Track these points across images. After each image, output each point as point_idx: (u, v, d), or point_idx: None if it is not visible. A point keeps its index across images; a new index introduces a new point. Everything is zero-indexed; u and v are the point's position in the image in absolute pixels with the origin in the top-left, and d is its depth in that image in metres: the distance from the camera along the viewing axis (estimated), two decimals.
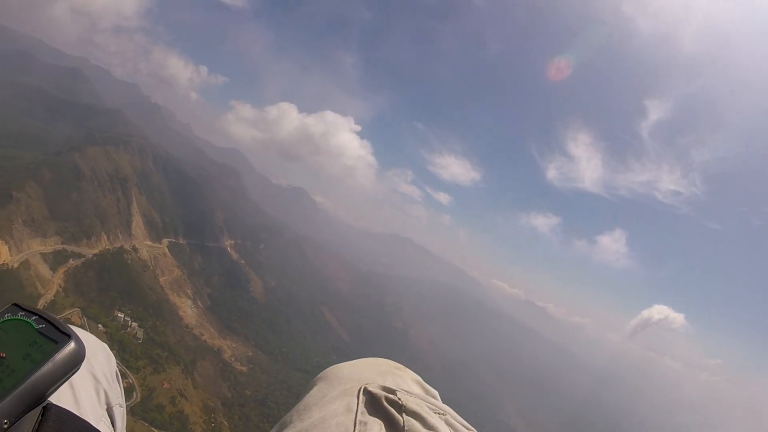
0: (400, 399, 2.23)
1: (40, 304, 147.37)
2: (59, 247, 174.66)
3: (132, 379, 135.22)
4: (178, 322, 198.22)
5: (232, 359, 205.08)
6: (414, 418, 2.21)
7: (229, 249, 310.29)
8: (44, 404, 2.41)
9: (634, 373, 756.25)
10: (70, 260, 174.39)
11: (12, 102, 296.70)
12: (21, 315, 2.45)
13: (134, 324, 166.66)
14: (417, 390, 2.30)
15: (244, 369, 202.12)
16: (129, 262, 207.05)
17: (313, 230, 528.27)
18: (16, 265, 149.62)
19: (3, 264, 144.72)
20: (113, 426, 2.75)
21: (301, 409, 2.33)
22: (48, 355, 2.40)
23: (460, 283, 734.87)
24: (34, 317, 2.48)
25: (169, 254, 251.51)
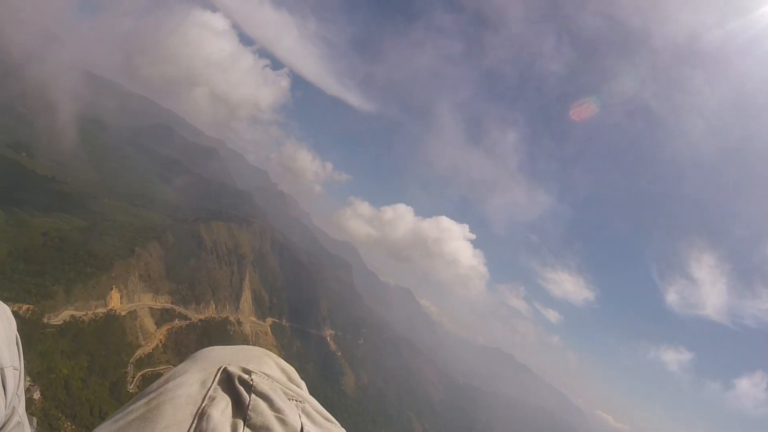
0: (252, 380, 2.22)
1: (138, 355, 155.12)
2: (168, 305, 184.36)
3: None
4: None
5: None
6: (262, 399, 2.25)
7: (328, 339, 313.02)
8: None
9: None
10: (176, 320, 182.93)
11: (151, 168, 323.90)
12: None
13: None
14: (279, 376, 2.29)
15: None
16: (231, 333, 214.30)
17: (414, 333, 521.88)
18: (123, 313, 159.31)
19: (111, 309, 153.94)
20: (3, 387, 2.62)
21: (161, 381, 2.32)
22: None
23: (560, 410, 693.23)
24: None
25: (270, 333, 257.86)
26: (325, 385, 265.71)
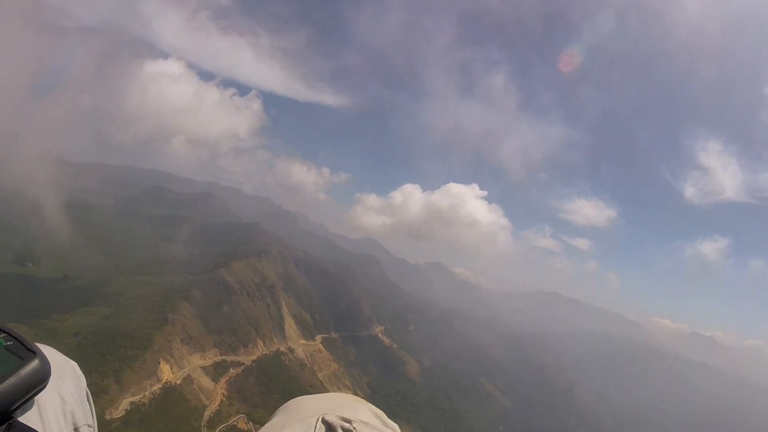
0: (354, 428, 2.21)
1: (207, 416, 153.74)
2: (218, 358, 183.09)
3: None
4: None
5: None
6: None
7: (380, 335, 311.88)
8: (9, 421, 2.33)
9: None
10: (231, 369, 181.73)
11: (155, 232, 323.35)
12: None
13: None
14: (374, 421, 2.27)
15: None
16: (287, 363, 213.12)
17: (457, 302, 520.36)
18: (179, 382, 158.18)
19: (166, 382, 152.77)
20: None
21: None
22: (12, 371, 2.32)
23: (618, 330, 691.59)
24: (2, 334, 2.43)
25: (324, 350, 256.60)
26: (391, 380, 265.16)
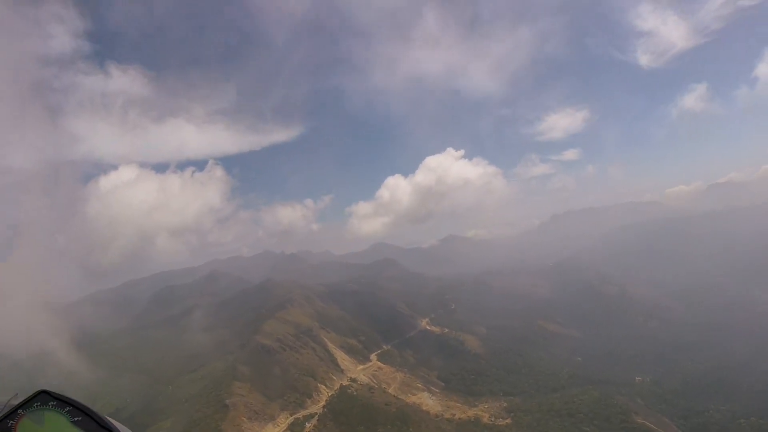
0: None
1: None
2: (290, 419, 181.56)
3: None
4: (426, 417, 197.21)
5: (493, 419, 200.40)
6: None
7: (428, 327, 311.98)
8: None
9: None
10: (306, 424, 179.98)
11: (179, 331, 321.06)
12: (52, 405, 2.28)
13: None
14: None
15: (509, 421, 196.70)
16: (355, 393, 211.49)
17: (484, 263, 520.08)
18: None
19: None
20: None
21: None
22: None
23: (640, 217, 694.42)
24: (67, 408, 2.30)
25: (383, 365, 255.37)
26: (458, 363, 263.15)
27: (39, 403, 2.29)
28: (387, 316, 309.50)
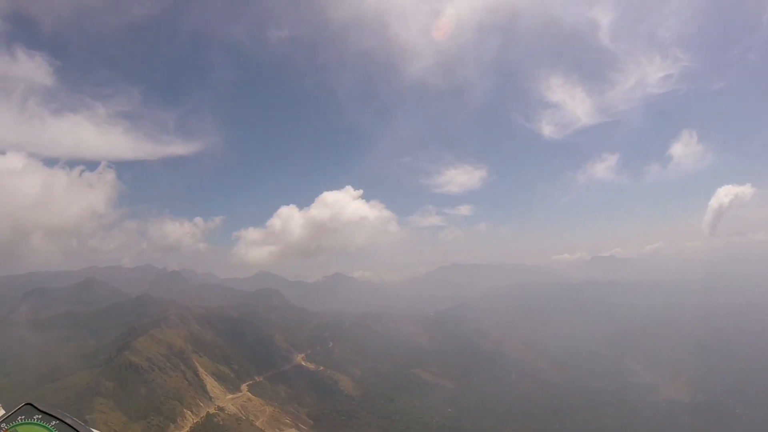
0: None
1: None
2: None
3: None
4: None
5: None
6: None
7: (303, 363, 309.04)
8: None
9: (732, 265, 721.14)
10: None
11: (47, 336, 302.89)
12: (37, 418, 2.21)
13: None
14: None
15: None
16: (221, 423, 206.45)
17: (367, 305, 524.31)
18: None
19: None
20: None
21: None
22: None
23: (524, 278, 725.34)
24: (54, 422, 2.23)
25: (253, 397, 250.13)
26: (329, 402, 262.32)
27: (23, 417, 2.20)
28: (263, 348, 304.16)
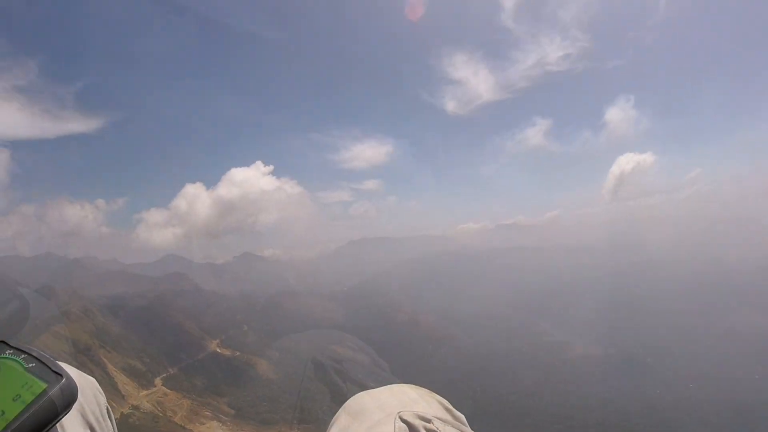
0: (437, 429, 1.82)
1: None
2: None
3: None
4: None
5: None
6: None
7: (218, 350, 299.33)
8: None
9: (631, 227, 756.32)
10: None
11: None
12: (9, 353, 2.34)
13: None
14: (446, 416, 2.19)
15: None
16: (137, 423, 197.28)
17: (278, 284, 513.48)
18: None
19: None
20: None
21: None
22: (39, 396, 2.20)
23: (431, 249, 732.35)
24: (23, 356, 2.34)
25: (169, 391, 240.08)
26: (249, 389, 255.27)
27: None
28: (174, 337, 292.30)
